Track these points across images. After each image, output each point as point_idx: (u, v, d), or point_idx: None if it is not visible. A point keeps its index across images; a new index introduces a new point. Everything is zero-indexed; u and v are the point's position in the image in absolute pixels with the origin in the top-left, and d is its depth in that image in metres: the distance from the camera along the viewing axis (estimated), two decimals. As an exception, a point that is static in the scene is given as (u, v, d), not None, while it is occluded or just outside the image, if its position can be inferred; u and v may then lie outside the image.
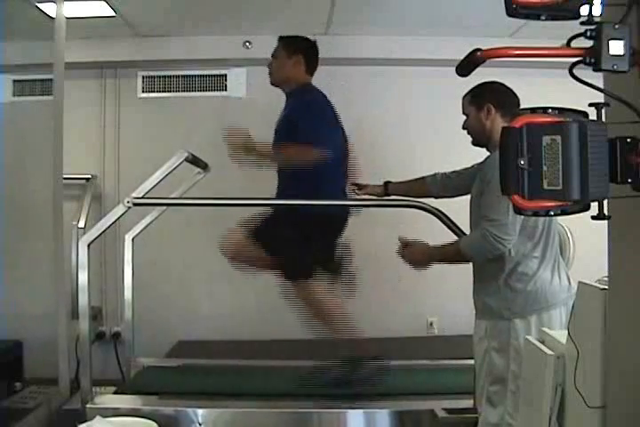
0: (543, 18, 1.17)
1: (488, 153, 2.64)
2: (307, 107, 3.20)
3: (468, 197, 2.64)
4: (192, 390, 3.02)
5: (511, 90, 2.61)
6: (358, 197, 3.26)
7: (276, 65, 3.32)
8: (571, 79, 1.21)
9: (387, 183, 3.08)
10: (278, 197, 3.27)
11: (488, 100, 2.53)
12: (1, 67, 4.04)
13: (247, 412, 2.80)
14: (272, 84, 3.34)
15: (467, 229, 2.73)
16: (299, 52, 3.34)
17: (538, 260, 2.40)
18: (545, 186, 1.07)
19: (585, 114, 1.16)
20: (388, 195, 3.06)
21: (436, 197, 2.91)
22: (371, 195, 3.14)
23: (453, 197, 2.85)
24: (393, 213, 4.07)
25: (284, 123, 3.19)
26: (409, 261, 2.65)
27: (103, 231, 2.75)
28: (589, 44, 1.15)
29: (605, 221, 1.23)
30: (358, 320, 4.29)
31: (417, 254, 2.62)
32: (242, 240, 3.21)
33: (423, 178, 2.94)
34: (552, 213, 1.10)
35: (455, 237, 2.71)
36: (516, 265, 2.37)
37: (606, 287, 1.52)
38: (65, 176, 3.38)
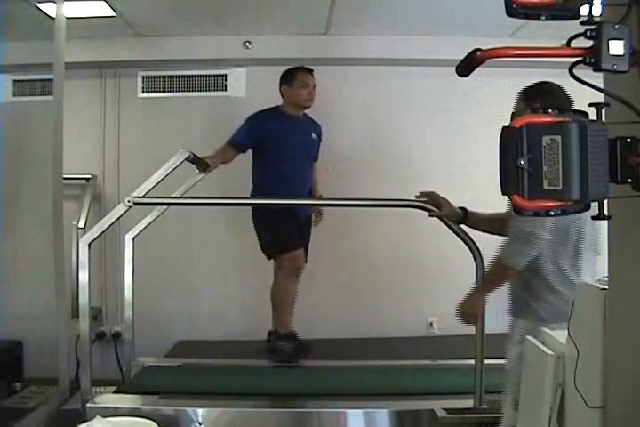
0: (543, 18, 1.16)
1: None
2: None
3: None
4: (192, 389, 3.02)
5: (564, 91, 2.51)
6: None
7: (313, 93, 3.92)
8: (571, 79, 1.21)
9: (464, 210, 2.73)
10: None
11: (538, 101, 2.46)
12: (1, 67, 4.03)
13: (247, 412, 2.80)
14: (309, 107, 3.96)
15: (466, 230, 2.73)
16: None
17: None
18: (545, 186, 1.07)
19: (585, 114, 1.16)
20: (464, 223, 2.74)
21: None
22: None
23: None
24: (394, 214, 4.07)
25: (317, 136, 4.03)
26: (469, 316, 2.46)
27: (103, 231, 2.75)
28: (589, 44, 1.15)
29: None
30: (358, 320, 4.32)
31: (469, 304, 2.44)
32: None
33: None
34: (552, 214, 1.10)
35: (455, 237, 2.71)
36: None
37: (606, 287, 1.52)
38: (65, 176, 3.38)
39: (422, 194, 2.77)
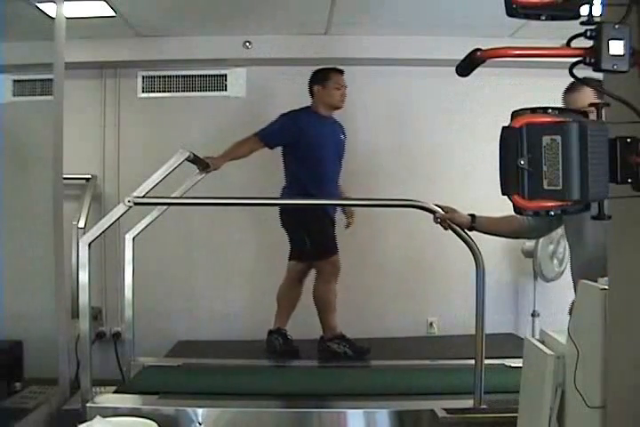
0: (543, 18, 1.16)
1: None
2: None
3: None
4: (192, 389, 3.02)
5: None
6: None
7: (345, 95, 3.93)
8: (571, 79, 1.21)
9: (472, 216, 2.68)
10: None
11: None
12: (1, 67, 4.03)
13: (247, 412, 2.79)
14: (341, 108, 3.94)
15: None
16: None
17: None
18: (545, 186, 1.07)
19: (585, 114, 1.16)
20: (474, 229, 2.67)
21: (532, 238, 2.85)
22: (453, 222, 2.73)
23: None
24: (394, 214, 4.08)
25: (344, 136, 4.00)
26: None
27: (104, 231, 2.74)
28: (589, 44, 1.15)
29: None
30: (358, 320, 4.32)
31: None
32: None
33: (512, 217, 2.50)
34: (552, 214, 1.10)
35: (456, 238, 2.70)
36: None
37: (606, 287, 1.52)
38: (65, 176, 3.38)
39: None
